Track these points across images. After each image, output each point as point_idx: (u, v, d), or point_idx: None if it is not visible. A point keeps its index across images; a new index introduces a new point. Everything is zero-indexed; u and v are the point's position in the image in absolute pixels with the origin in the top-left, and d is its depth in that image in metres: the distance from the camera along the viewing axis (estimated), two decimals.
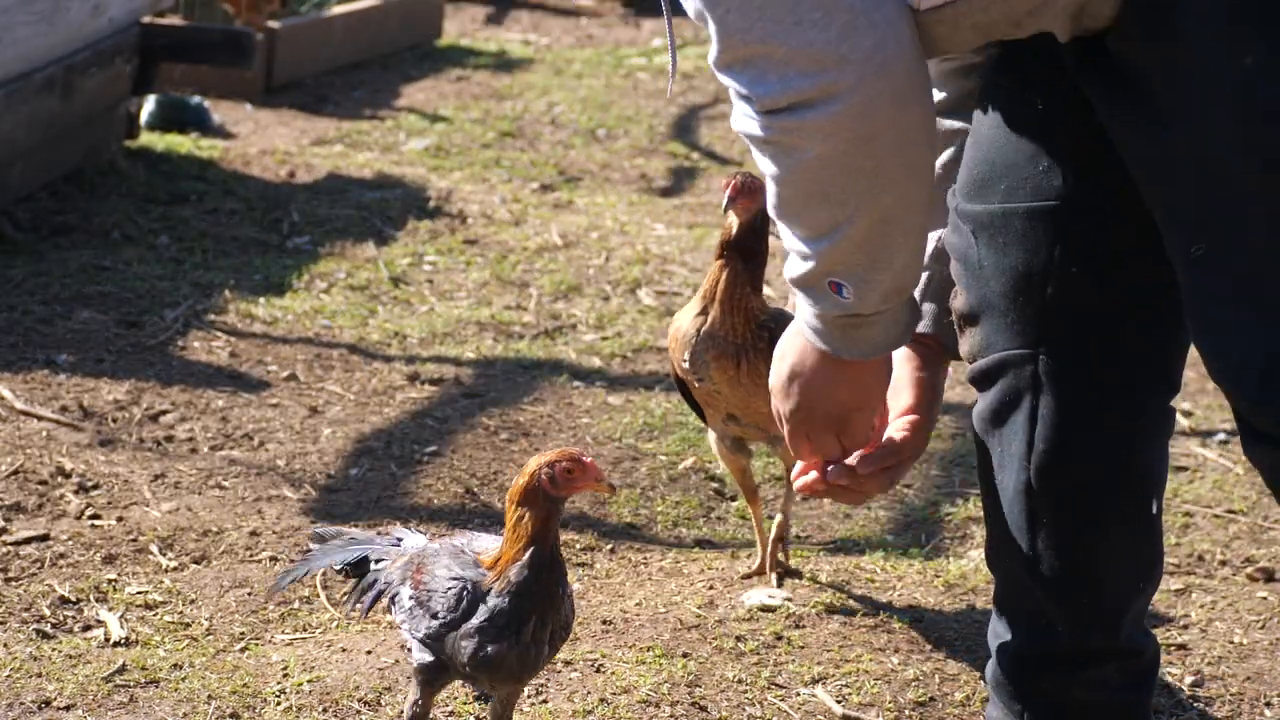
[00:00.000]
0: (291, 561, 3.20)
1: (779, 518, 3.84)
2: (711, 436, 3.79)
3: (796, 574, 3.86)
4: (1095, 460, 2.64)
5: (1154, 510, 2.69)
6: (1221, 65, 2.26)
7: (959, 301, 2.66)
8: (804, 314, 2.50)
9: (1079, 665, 2.72)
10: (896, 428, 2.71)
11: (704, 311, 3.59)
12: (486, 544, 2.93)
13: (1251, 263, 2.31)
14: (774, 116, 2.34)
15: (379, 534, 3.18)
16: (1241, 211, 2.30)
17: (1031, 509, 2.65)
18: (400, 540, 3.09)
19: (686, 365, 3.61)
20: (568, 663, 3.48)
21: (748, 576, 3.84)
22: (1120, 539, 2.68)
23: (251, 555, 3.89)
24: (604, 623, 3.65)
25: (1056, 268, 2.57)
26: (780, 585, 3.80)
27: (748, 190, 3.54)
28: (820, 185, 2.37)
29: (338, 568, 3.12)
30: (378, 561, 3.05)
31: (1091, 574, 2.68)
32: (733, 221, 3.56)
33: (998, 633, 2.79)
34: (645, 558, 3.99)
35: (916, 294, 2.62)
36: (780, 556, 3.87)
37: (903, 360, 2.74)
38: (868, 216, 2.37)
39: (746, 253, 3.56)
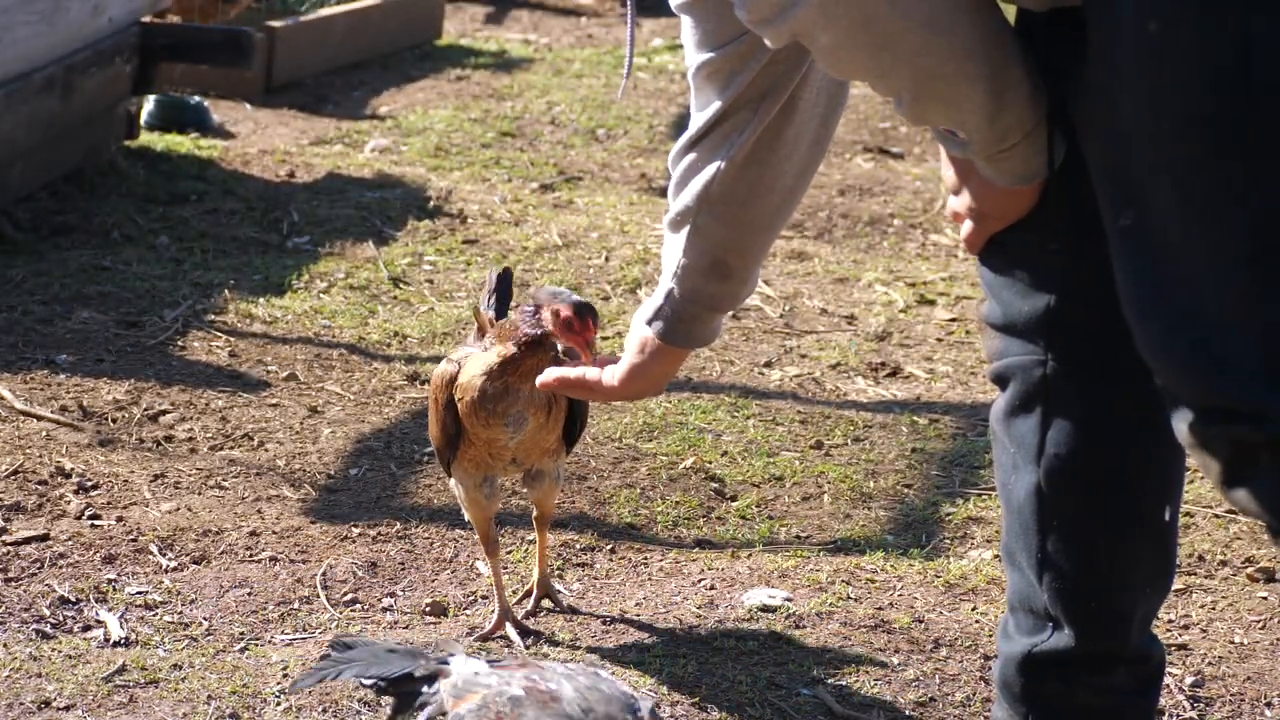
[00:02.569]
0: (319, 657, 2.92)
1: (536, 572, 3.71)
2: (461, 491, 3.58)
3: (536, 634, 3.60)
4: (1107, 464, 2.64)
5: (1167, 517, 2.69)
6: (1133, 30, 2.29)
7: (983, 307, 2.69)
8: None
9: (1086, 669, 2.72)
10: (609, 374, 3.02)
11: (503, 381, 3.42)
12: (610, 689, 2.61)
13: (1168, 233, 2.32)
14: (769, 25, 2.40)
15: (411, 647, 2.90)
16: (1155, 180, 2.32)
17: (1043, 510, 2.65)
18: (448, 659, 2.75)
19: (509, 430, 3.45)
20: (567, 663, 3.48)
21: (485, 638, 3.57)
22: (1131, 544, 2.68)
23: (251, 555, 3.89)
24: (604, 622, 3.66)
25: (1062, 275, 2.59)
26: (525, 638, 3.57)
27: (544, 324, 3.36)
28: (854, 64, 2.42)
29: (368, 682, 2.78)
30: (425, 681, 2.72)
31: (1101, 578, 2.68)
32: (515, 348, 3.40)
33: (1007, 632, 2.79)
34: (645, 558, 3.99)
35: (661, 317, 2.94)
36: (523, 609, 3.70)
37: (642, 346, 3.00)
38: (914, 82, 2.41)
39: (537, 347, 3.40)
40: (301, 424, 4.57)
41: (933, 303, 5.81)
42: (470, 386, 3.46)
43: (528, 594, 3.73)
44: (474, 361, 3.48)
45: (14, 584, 3.71)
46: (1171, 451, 2.69)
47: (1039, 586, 2.69)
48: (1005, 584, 3.86)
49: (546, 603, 3.72)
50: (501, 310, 3.68)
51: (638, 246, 6.07)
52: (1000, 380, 2.69)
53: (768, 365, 5.18)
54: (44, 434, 4.38)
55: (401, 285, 5.62)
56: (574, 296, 3.33)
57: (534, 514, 3.67)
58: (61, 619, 3.59)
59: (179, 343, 5.04)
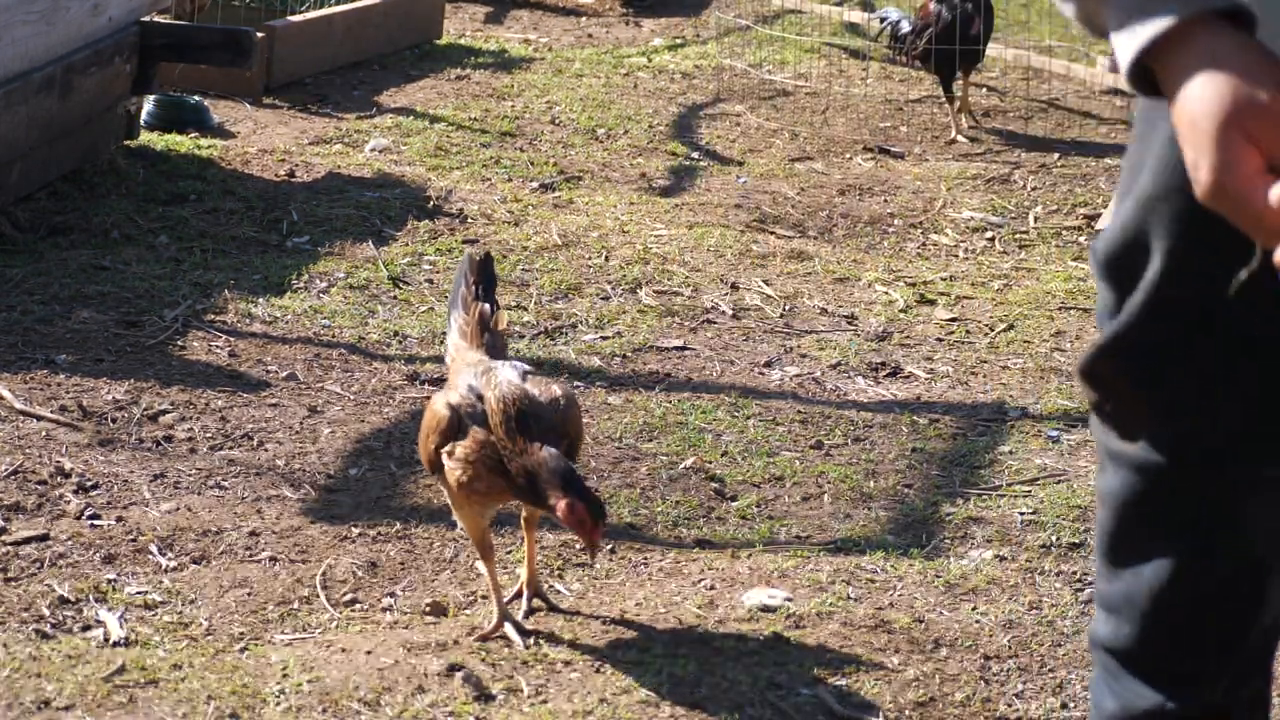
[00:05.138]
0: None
1: (525, 573, 3.74)
2: (454, 502, 3.61)
3: (535, 633, 3.60)
4: (1264, 529, 2.55)
5: None
6: None
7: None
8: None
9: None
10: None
11: (484, 482, 3.49)
12: None
13: None
14: None
15: None
16: None
17: (1255, 587, 2.54)
18: None
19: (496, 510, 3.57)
20: (567, 663, 3.48)
21: (485, 638, 3.58)
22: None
23: (251, 555, 3.89)
24: (604, 622, 3.65)
25: (1191, 345, 2.44)
26: (525, 637, 3.59)
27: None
28: None
29: None
30: None
31: (1249, 634, 2.62)
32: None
33: (1118, 682, 2.61)
34: (645, 558, 3.99)
35: None
36: (520, 611, 3.70)
37: None
38: None
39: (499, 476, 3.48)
40: (301, 424, 4.57)
41: (933, 303, 5.80)
42: (454, 472, 3.49)
43: (518, 594, 3.73)
44: (460, 445, 3.48)
45: (14, 584, 3.70)
46: None
47: (1192, 648, 2.56)
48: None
49: (537, 602, 3.72)
50: (489, 297, 3.70)
51: (638, 246, 6.07)
52: (1142, 465, 2.49)
53: (768, 365, 5.18)
54: (44, 434, 4.38)
55: (401, 285, 5.62)
56: (564, 463, 3.40)
57: (523, 514, 3.68)
58: (61, 619, 3.59)
59: (179, 343, 5.04)
